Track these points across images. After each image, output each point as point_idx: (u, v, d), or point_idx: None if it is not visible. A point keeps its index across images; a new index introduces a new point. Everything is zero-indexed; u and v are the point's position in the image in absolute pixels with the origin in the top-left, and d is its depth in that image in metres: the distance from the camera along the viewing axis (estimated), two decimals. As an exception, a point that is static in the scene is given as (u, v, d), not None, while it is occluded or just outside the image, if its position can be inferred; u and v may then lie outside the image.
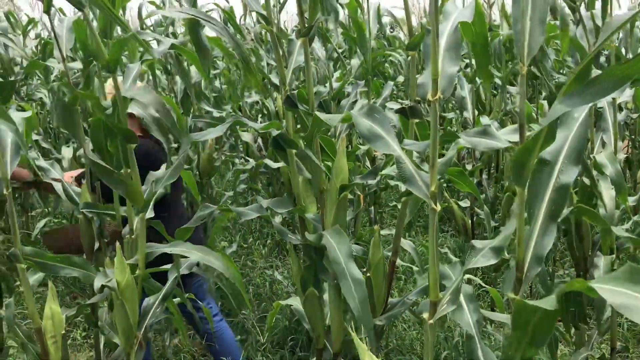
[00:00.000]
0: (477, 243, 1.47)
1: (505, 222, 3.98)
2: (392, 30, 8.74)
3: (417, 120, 1.81)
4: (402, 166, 1.35)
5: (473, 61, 4.53)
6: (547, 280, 2.43)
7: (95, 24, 1.98)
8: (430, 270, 1.38)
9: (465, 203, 4.05)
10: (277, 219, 5.10)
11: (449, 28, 1.24)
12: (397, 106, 4.57)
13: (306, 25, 1.65)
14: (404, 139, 1.65)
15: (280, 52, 1.80)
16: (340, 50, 4.32)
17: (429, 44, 1.21)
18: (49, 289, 2.21)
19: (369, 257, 2.06)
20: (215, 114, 4.76)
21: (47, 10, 2.04)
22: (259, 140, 5.27)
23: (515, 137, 1.60)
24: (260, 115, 5.85)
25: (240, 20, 4.75)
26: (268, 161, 4.03)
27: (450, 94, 1.14)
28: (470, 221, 4.19)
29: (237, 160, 5.22)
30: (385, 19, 6.60)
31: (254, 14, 4.66)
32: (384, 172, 2.11)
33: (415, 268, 3.69)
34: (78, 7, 1.94)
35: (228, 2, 11.23)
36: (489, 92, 4.81)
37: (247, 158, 5.17)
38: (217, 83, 5.79)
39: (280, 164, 3.91)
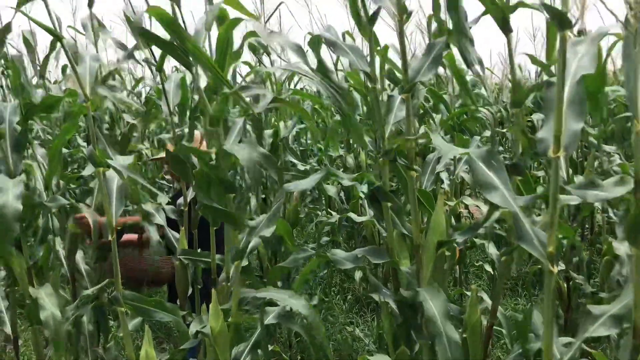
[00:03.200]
0: (593, 309, 1.38)
1: (604, 287, 3.71)
2: (473, 87, 8.71)
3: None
4: (518, 223, 1.29)
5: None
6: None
7: (202, 82, 2.10)
8: (545, 335, 1.31)
9: (560, 266, 3.83)
10: (357, 275, 5.06)
11: (570, 79, 1.19)
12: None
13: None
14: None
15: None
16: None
17: (550, 98, 1.17)
18: (145, 333, 2.28)
19: (466, 317, 1.97)
20: (300, 166, 4.89)
21: (160, 68, 2.20)
22: (341, 193, 5.31)
23: (622, 189, 1.51)
24: (342, 169, 5.92)
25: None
26: (352, 215, 4.03)
27: (574, 150, 1.11)
28: (566, 285, 3.93)
29: (319, 213, 5.27)
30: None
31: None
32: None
33: (504, 331, 3.50)
34: (187, 67, 2.09)
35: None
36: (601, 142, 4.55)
37: (329, 211, 5.20)
38: (302, 138, 5.94)
39: (365, 218, 3.91)
